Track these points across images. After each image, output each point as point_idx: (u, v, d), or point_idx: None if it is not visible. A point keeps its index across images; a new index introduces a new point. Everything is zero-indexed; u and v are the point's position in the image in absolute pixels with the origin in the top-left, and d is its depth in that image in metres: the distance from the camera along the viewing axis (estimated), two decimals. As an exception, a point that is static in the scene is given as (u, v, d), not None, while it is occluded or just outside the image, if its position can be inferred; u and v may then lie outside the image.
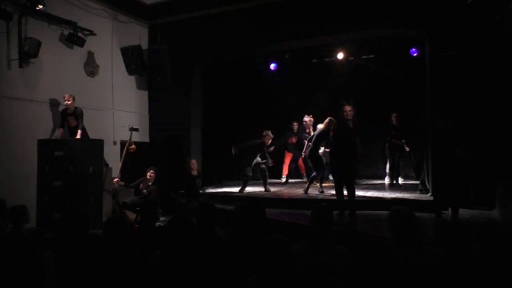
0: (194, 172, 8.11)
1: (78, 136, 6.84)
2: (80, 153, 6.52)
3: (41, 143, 6.70)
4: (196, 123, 9.38)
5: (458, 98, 6.28)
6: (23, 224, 3.99)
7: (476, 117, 6.18)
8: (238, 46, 8.70)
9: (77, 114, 6.98)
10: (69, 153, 6.47)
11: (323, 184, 7.77)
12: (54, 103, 7.23)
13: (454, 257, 2.80)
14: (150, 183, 7.35)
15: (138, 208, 6.81)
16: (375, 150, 9.05)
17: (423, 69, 7.18)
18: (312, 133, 7.89)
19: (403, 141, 8.11)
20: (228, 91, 10.16)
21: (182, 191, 8.15)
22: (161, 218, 4.01)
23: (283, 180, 9.39)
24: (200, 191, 8.17)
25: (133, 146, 7.45)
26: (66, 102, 6.87)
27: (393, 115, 8.23)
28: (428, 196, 6.50)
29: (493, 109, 6.16)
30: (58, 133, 7.01)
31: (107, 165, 7.47)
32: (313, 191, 7.47)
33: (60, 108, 7.14)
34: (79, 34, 7.51)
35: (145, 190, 7.27)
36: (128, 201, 7.22)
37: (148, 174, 7.37)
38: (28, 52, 6.63)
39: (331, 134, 6.72)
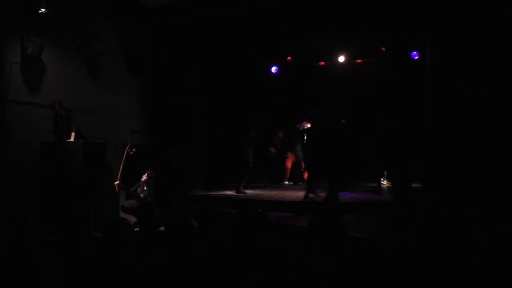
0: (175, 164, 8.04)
1: (72, 139, 6.61)
2: (81, 156, 6.52)
3: (43, 145, 6.72)
4: (198, 125, 9.38)
5: (459, 100, 6.29)
6: (24, 227, 4.00)
7: (477, 118, 6.18)
8: (239, 49, 8.72)
9: (65, 116, 6.72)
10: (70, 155, 6.48)
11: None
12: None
13: None
14: (145, 187, 7.28)
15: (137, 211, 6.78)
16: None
17: (425, 72, 7.19)
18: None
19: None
20: (230, 93, 10.17)
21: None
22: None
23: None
24: (202, 194, 8.14)
25: (134, 149, 7.44)
26: (56, 108, 6.69)
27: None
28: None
29: (494, 110, 6.15)
30: (51, 138, 6.80)
31: (109, 167, 7.46)
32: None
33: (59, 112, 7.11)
34: (82, 37, 7.53)
35: (142, 194, 7.22)
36: (126, 204, 7.17)
37: (143, 177, 7.33)
38: (31, 55, 6.63)
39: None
